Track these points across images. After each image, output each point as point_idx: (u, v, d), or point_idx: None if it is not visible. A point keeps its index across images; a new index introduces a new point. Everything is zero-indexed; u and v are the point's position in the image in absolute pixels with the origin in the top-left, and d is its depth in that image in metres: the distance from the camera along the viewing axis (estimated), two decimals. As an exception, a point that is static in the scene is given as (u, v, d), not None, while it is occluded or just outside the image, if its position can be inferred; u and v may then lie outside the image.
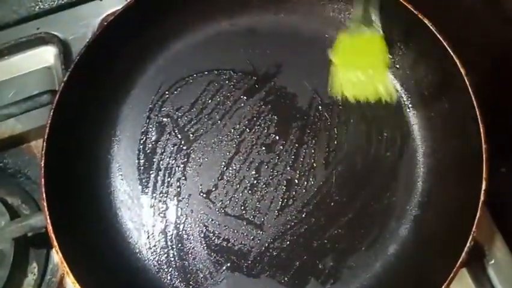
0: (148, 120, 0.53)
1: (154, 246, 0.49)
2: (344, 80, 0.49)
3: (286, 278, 0.47)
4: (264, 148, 0.52)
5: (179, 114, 0.53)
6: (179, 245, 0.49)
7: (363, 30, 0.49)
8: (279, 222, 0.49)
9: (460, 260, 0.41)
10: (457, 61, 0.46)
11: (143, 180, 0.51)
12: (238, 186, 0.50)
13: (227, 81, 0.55)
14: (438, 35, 0.47)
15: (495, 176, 0.43)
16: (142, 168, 0.51)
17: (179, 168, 0.51)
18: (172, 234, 0.49)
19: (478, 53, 0.54)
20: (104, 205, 0.50)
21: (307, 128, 0.52)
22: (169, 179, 0.51)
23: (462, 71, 0.46)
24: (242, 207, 0.50)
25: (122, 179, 0.51)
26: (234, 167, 0.51)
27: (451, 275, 0.40)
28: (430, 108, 0.51)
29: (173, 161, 0.52)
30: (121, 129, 0.53)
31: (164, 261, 0.48)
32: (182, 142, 0.52)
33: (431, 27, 0.47)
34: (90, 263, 0.44)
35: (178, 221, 0.50)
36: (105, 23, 0.51)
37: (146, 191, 0.51)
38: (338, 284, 0.47)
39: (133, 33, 0.52)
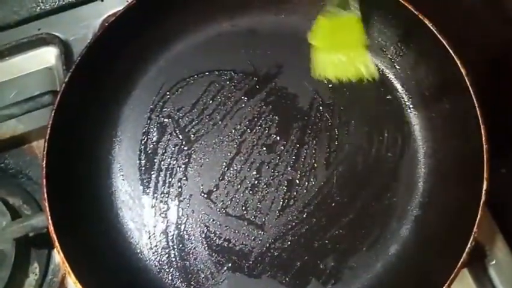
0: (149, 121, 0.53)
1: (155, 246, 0.49)
2: (325, 63, 0.51)
3: (287, 278, 0.47)
4: (265, 148, 0.52)
5: (181, 114, 0.53)
6: (181, 245, 0.49)
7: (341, 12, 0.49)
8: (280, 223, 0.49)
9: (461, 260, 0.41)
10: (458, 61, 0.46)
11: (145, 181, 0.51)
12: (239, 186, 0.51)
13: (228, 82, 0.55)
14: (438, 36, 0.47)
15: (495, 177, 0.43)
16: (143, 168, 0.51)
17: (181, 169, 0.51)
18: (173, 235, 0.49)
19: (478, 53, 0.54)
20: (106, 205, 0.50)
21: (308, 129, 0.52)
22: (170, 180, 0.51)
23: (463, 71, 0.46)
24: (243, 208, 0.50)
25: (123, 180, 0.51)
26: (235, 168, 0.51)
27: (452, 275, 0.40)
28: (431, 109, 0.51)
29: (175, 161, 0.52)
30: (122, 129, 0.53)
31: (165, 262, 0.48)
32: (184, 142, 0.52)
33: (431, 28, 0.47)
34: (91, 263, 0.45)
35: (179, 221, 0.50)
36: (106, 24, 0.51)
37: (148, 191, 0.51)
38: (339, 284, 0.47)
39: (134, 34, 0.52)
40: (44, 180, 0.44)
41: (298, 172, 0.51)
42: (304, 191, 0.50)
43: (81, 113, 0.50)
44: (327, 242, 0.48)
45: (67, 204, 0.46)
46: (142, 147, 0.52)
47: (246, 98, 0.54)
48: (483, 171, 0.43)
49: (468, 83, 0.45)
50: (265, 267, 0.48)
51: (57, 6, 0.63)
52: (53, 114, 0.46)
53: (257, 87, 0.54)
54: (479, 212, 0.42)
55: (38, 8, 0.63)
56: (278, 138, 0.52)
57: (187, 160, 0.52)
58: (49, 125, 0.46)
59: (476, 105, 0.44)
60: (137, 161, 0.52)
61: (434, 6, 0.49)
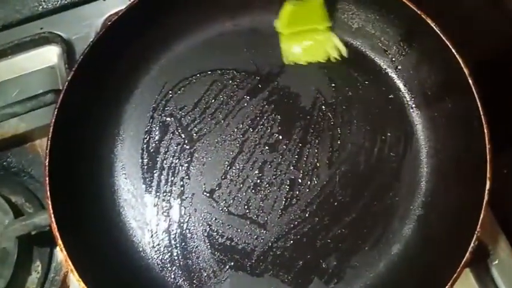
0: (151, 120, 0.53)
1: (158, 245, 0.49)
2: (292, 48, 0.53)
3: (289, 277, 0.47)
4: (267, 148, 0.52)
5: (183, 113, 0.53)
6: (183, 244, 0.49)
7: None
8: (283, 222, 0.49)
9: (464, 260, 0.41)
10: (460, 61, 0.46)
11: (147, 179, 0.51)
12: (241, 185, 0.51)
13: (230, 81, 0.55)
14: (441, 35, 0.47)
15: (497, 177, 0.43)
16: (145, 167, 0.51)
17: (183, 168, 0.51)
18: (175, 233, 0.49)
19: (480, 52, 0.54)
20: (108, 204, 0.50)
21: (311, 128, 0.52)
22: (172, 178, 0.51)
23: (465, 70, 0.46)
24: (245, 207, 0.50)
25: (125, 178, 0.51)
26: (238, 167, 0.51)
27: (455, 275, 0.40)
28: (433, 108, 0.51)
29: (177, 160, 0.52)
30: (124, 128, 0.53)
31: (167, 260, 0.48)
32: (186, 141, 0.52)
33: (434, 27, 0.47)
34: (93, 261, 0.44)
35: (182, 220, 0.50)
36: (108, 23, 0.51)
37: (150, 190, 0.51)
38: (341, 283, 0.47)
39: (137, 33, 0.53)
40: (47, 179, 0.44)
41: (301, 171, 0.51)
42: (307, 190, 0.50)
43: (83, 112, 0.50)
44: (329, 241, 0.48)
45: (69, 203, 0.46)
46: (145, 146, 0.52)
47: (248, 97, 0.54)
48: (486, 171, 0.43)
49: (471, 83, 0.45)
50: (267, 266, 0.48)
51: (60, 5, 0.63)
52: (55, 112, 0.46)
53: (259, 86, 0.54)
54: (482, 211, 0.42)
55: (41, 7, 0.63)
56: (280, 137, 0.52)
57: (189, 159, 0.52)
58: (51, 124, 0.46)
59: (479, 104, 0.44)
60: (140, 160, 0.52)
61: (437, 5, 0.49)
